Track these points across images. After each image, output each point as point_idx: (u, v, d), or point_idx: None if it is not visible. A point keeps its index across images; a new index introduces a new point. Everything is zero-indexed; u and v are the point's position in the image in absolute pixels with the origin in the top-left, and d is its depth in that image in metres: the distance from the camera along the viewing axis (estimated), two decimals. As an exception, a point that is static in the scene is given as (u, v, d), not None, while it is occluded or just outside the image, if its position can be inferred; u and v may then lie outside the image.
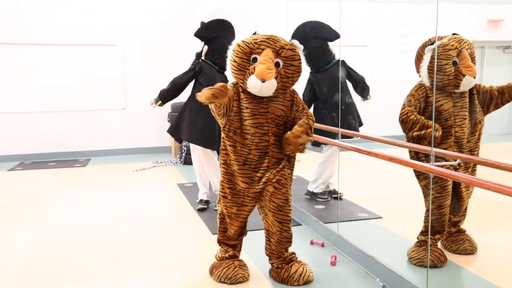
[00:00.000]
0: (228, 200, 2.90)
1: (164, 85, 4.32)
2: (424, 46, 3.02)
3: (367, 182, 5.38)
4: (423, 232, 3.11)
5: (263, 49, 2.68)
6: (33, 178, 6.19)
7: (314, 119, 2.84)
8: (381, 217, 4.08)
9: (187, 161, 6.89)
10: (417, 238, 3.13)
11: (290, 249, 3.00)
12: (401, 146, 2.94)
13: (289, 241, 2.94)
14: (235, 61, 2.73)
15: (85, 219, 4.31)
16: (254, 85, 2.65)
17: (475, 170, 3.06)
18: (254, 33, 2.82)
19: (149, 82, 7.75)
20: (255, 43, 2.70)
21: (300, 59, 2.77)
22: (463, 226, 3.25)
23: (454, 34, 3.01)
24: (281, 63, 2.71)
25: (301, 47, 2.78)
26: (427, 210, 3.06)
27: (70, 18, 7.42)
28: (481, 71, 6.08)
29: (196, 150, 4.55)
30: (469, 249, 3.16)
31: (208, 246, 3.58)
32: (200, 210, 4.46)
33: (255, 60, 2.70)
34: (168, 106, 7.71)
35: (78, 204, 4.84)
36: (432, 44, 2.93)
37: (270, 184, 2.81)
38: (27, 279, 3.00)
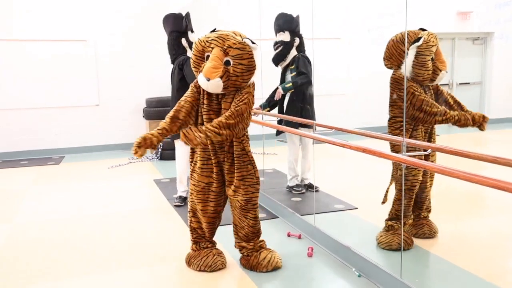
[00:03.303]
0: (194, 197, 2.97)
1: (139, 80, 4.25)
2: (401, 41, 3.06)
3: (342, 174, 5.44)
4: (391, 218, 3.22)
5: (213, 48, 2.75)
6: (5, 177, 6.04)
7: (231, 118, 2.72)
8: (356, 208, 4.14)
9: (164, 156, 6.84)
10: (385, 222, 3.24)
11: (261, 237, 3.08)
12: (375, 137, 2.98)
13: (257, 235, 3.02)
14: (192, 58, 2.87)
15: (59, 215, 4.24)
16: (201, 82, 2.76)
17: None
18: (213, 30, 2.88)
19: (123, 77, 7.64)
20: (207, 41, 2.79)
21: (251, 58, 2.77)
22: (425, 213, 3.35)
23: (421, 29, 3.08)
24: (231, 62, 2.75)
25: (255, 46, 2.79)
26: (398, 199, 3.17)
27: (40, 13, 7.24)
28: (452, 63, 6.21)
29: (182, 147, 4.49)
30: (427, 233, 3.28)
31: (186, 240, 3.57)
32: (177, 206, 4.44)
33: (208, 58, 2.78)
34: (143, 101, 7.65)
35: (52, 201, 4.75)
36: (417, 40, 2.99)
37: (231, 188, 2.90)
38: (0, 275, 2.95)
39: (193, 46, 2.87)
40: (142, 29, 7.66)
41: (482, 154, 2.30)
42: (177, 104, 2.86)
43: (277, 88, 4.56)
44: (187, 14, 4.49)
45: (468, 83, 6.46)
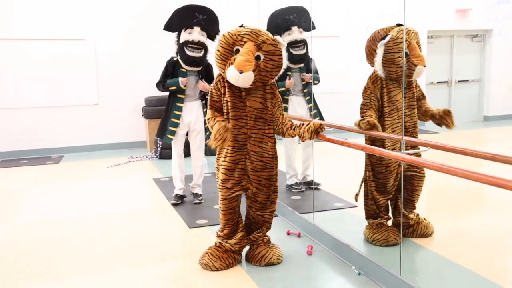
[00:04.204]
0: (219, 194, 2.99)
1: (138, 79, 4.25)
2: (374, 40, 3.11)
3: (342, 172, 5.44)
4: (376, 216, 3.24)
5: (245, 42, 2.75)
6: (4, 176, 6.04)
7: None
8: (356, 206, 4.13)
9: (163, 155, 6.84)
10: (369, 222, 3.27)
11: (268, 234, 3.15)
12: (373, 135, 2.98)
13: (267, 229, 3.11)
14: (218, 50, 2.84)
15: (59, 215, 4.24)
16: (232, 75, 2.73)
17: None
18: (241, 26, 2.88)
19: (122, 76, 7.63)
20: (239, 35, 2.78)
21: (281, 55, 2.82)
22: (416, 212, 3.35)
23: (398, 24, 3.07)
24: (262, 57, 2.77)
25: (284, 43, 2.84)
26: (366, 196, 3.28)
27: (40, 13, 7.22)
28: (451, 60, 6.21)
29: (180, 145, 4.47)
30: (422, 233, 3.27)
31: (185, 239, 3.57)
32: (174, 205, 4.44)
33: (237, 51, 2.78)
34: (142, 100, 7.64)
35: (52, 201, 4.75)
36: (383, 38, 3.00)
37: (252, 186, 2.93)
38: (0, 275, 2.95)
39: (221, 39, 2.83)
40: (142, 29, 7.64)
41: (480, 151, 2.30)
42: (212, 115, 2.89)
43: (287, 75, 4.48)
44: (183, 9, 4.22)
45: (467, 80, 6.46)
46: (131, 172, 6.09)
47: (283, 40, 4.31)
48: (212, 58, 4.34)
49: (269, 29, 4.49)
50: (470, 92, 6.49)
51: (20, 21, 7.16)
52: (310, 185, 4.71)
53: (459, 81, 6.30)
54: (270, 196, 3.00)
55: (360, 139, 3.19)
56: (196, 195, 4.51)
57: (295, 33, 4.35)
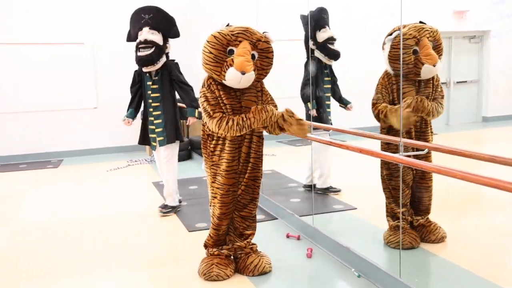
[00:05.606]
0: (217, 201, 2.87)
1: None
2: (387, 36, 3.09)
3: (341, 174, 5.43)
4: (393, 217, 3.21)
5: (240, 41, 2.66)
6: (4, 180, 6.03)
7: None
8: (355, 208, 4.14)
9: (162, 158, 6.83)
10: (391, 224, 3.22)
11: (252, 240, 3.05)
12: (371, 137, 2.98)
13: (252, 233, 3.00)
14: (211, 52, 2.67)
15: (60, 217, 4.24)
16: (233, 77, 2.62)
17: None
18: (227, 25, 2.80)
19: (121, 80, 7.62)
20: (232, 35, 2.67)
21: (273, 52, 2.78)
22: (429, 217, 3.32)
23: (420, 22, 3.05)
24: (256, 55, 2.72)
25: (274, 40, 2.79)
26: (388, 198, 3.23)
27: (37, 16, 7.23)
28: (449, 61, 6.22)
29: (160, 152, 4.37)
30: (433, 238, 3.22)
31: (185, 243, 3.57)
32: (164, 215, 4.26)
33: (231, 52, 2.67)
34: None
35: (52, 203, 4.75)
36: (391, 34, 2.99)
37: (243, 184, 2.88)
38: (2, 275, 2.96)
39: (212, 40, 2.66)
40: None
41: (478, 153, 2.30)
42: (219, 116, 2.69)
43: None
44: (132, 15, 4.17)
45: (465, 81, 6.47)
46: (131, 175, 6.09)
47: (319, 36, 4.38)
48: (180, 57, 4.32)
49: (310, 25, 4.45)
50: (469, 93, 6.49)
51: (20, 25, 7.17)
52: (330, 190, 4.59)
53: (457, 82, 6.30)
54: (255, 198, 2.93)
55: (358, 141, 3.18)
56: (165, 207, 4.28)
57: (329, 31, 4.45)
